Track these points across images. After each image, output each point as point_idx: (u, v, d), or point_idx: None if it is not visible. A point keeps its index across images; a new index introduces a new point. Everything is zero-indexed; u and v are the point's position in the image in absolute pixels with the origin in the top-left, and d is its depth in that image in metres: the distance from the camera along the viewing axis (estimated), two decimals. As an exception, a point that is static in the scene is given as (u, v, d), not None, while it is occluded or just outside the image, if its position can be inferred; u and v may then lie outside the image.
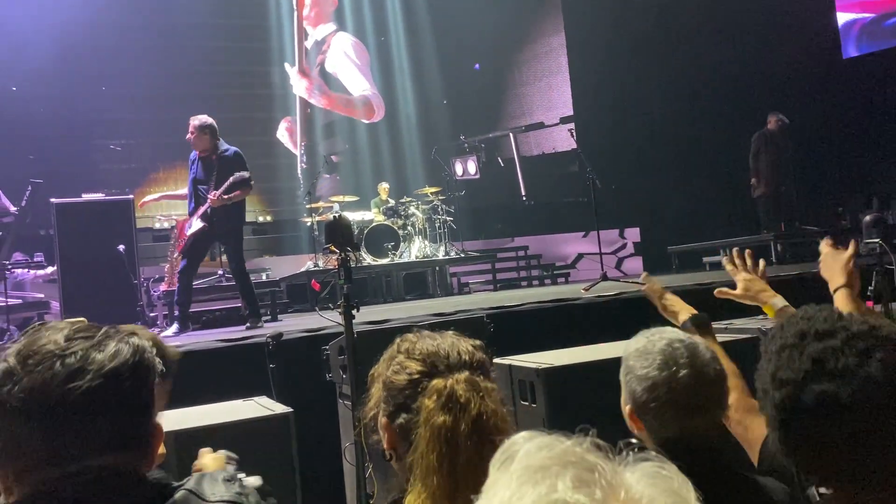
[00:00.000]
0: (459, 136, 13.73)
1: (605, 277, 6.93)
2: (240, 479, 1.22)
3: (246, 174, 6.07)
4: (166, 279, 7.75)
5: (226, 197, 5.98)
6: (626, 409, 1.59)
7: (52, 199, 6.87)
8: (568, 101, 13.47)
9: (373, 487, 3.17)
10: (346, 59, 13.25)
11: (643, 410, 1.54)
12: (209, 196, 5.99)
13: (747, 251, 2.18)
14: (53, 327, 1.11)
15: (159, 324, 7.22)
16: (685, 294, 2.18)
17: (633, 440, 1.51)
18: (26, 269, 7.94)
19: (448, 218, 9.84)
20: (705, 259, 10.51)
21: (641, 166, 11.85)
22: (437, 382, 1.25)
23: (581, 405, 2.94)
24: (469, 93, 13.54)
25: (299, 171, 12.48)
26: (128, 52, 10.55)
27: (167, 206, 10.20)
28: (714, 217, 11.09)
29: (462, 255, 9.84)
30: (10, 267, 7.56)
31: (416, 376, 1.29)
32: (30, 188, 7.88)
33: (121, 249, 6.61)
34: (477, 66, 13.84)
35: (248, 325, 6.02)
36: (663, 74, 11.91)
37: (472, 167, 13.71)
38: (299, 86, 12.71)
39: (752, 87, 11.43)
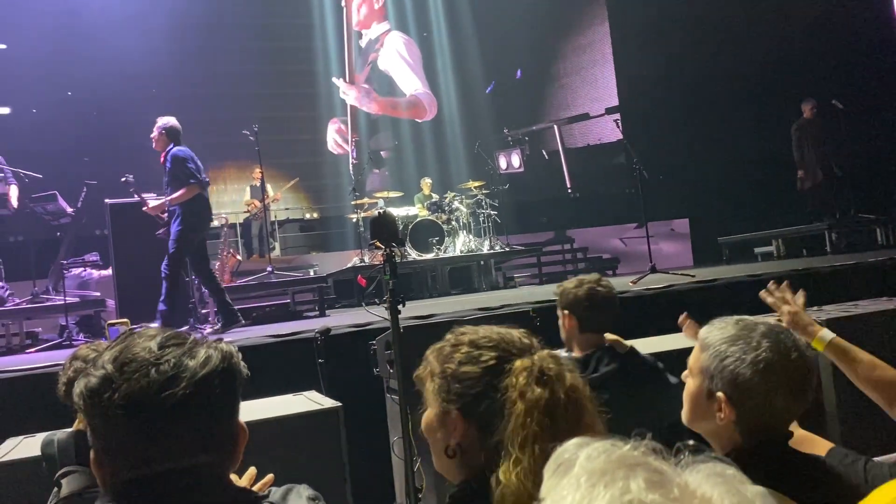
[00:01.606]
0: (503, 130, 13.66)
1: (653, 270, 6.84)
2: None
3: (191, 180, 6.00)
4: (216, 276, 7.87)
5: (157, 203, 6.05)
6: (716, 395, 1.51)
7: (107, 200, 7.03)
8: (613, 92, 13.29)
9: (421, 481, 3.18)
10: (398, 59, 13.29)
11: (748, 395, 1.48)
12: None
13: (785, 283, 2.15)
14: (145, 334, 1.15)
15: (211, 320, 7.37)
16: (737, 286, 2.14)
17: (691, 441, 1.47)
18: (83, 269, 8.17)
19: (492, 212, 9.81)
20: (757, 250, 10.28)
21: (689, 156, 11.64)
22: (522, 362, 1.26)
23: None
24: (512, 85, 13.45)
25: (350, 167, 12.55)
26: (176, 53, 10.78)
27: (217, 205, 10.38)
28: (765, 207, 10.83)
29: (507, 249, 9.80)
30: (67, 266, 7.80)
31: (493, 363, 1.28)
32: (85, 189, 8.11)
33: (172, 248, 6.73)
34: (519, 73, 13.73)
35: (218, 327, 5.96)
36: (710, 61, 11.66)
37: (516, 160, 13.63)
38: (349, 96, 12.80)
39: (802, 72, 11.11)
